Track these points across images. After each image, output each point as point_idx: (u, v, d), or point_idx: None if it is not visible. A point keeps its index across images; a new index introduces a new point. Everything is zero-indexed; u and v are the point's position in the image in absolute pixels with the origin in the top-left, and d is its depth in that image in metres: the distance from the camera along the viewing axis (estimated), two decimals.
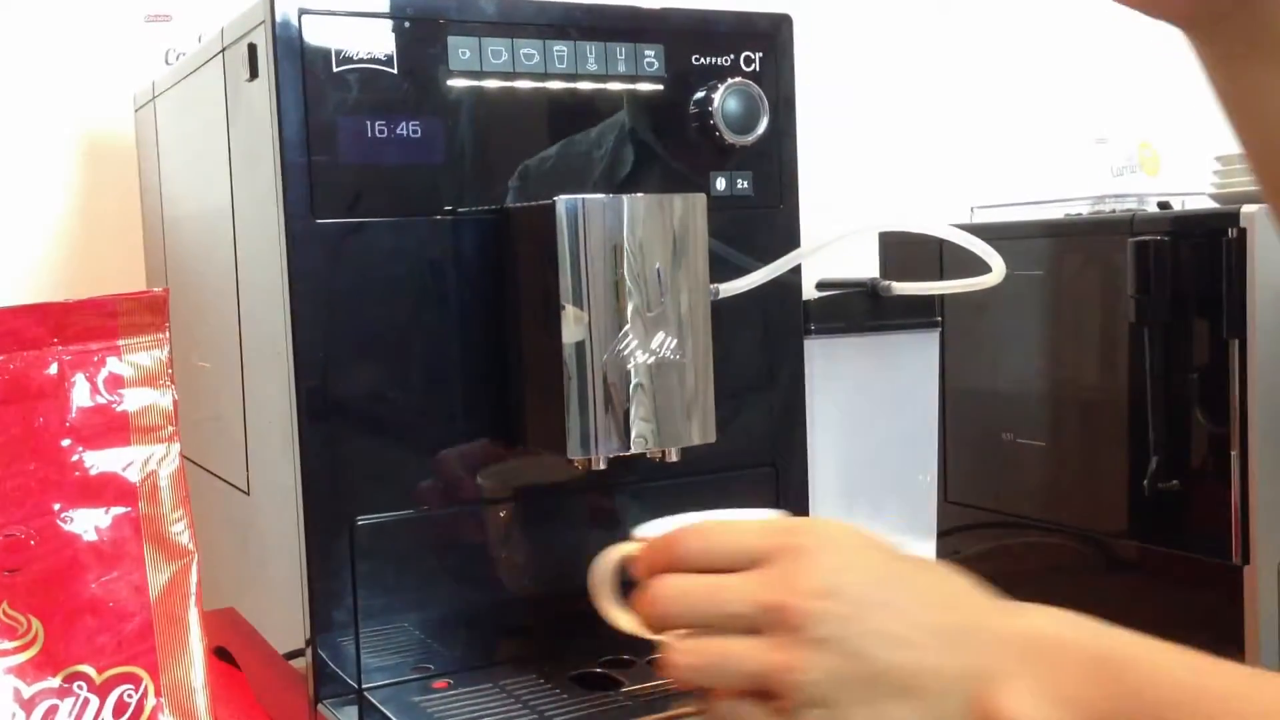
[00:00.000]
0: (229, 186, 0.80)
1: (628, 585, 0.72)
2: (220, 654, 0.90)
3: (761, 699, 0.54)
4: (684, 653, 0.57)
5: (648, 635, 0.71)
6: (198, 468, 0.90)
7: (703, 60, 0.80)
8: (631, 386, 0.71)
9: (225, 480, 0.87)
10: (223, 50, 0.78)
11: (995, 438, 1.23)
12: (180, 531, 0.63)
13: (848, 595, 0.54)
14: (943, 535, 0.98)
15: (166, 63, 1.07)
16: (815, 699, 0.53)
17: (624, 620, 0.71)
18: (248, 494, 0.82)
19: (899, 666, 0.53)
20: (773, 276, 0.77)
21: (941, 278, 1.18)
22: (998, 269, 0.76)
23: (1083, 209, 1.30)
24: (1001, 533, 1.25)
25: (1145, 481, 1.07)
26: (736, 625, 0.55)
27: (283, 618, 0.78)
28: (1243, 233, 1.01)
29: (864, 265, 1.33)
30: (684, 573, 0.58)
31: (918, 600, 0.56)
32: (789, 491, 0.85)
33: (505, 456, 0.75)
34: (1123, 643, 0.55)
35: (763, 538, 0.57)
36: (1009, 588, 1.25)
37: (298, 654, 0.76)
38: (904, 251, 1.28)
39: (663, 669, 0.58)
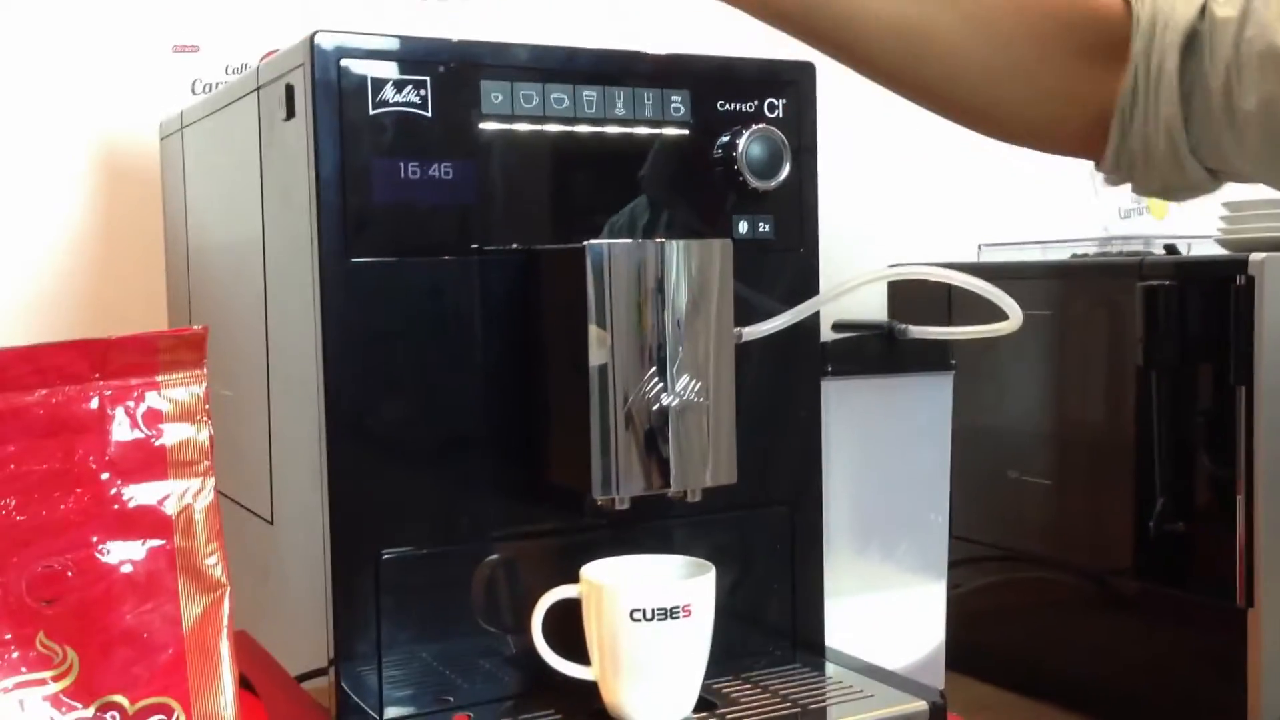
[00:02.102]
0: (260, 221, 0.81)
1: (575, 621, 0.74)
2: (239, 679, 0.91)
3: None
4: None
5: (572, 673, 0.74)
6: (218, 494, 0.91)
7: (728, 106, 0.82)
8: (656, 428, 0.73)
9: (247, 508, 0.88)
10: (258, 88, 0.79)
11: (1001, 475, 1.25)
12: (214, 564, 0.65)
13: None
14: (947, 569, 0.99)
15: (193, 93, 1.08)
16: None
17: (551, 656, 0.73)
18: (271, 523, 0.84)
19: None
20: (794, 321, 0.79)
21: (950, 318, 1.20)
22: (1015, 318, 0.77)
23: (1090, 249, 1.32)
24: (1006, 568, 1.26)
25: (1151, 522, 1.08)
26: None
27: (303, 645, 0.79)
28: (1250, 280, 1.02)
29: (872, 304, 1.35)
30: None
31: None
32: (804, 530, 0.86)
33: (530, 494, 0.77)
34: None
35: None
36: (1012, 623, 1.26)
37: (312, 675, 0.77)
38: (912, 291, 1.30)
39: None
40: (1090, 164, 0.92)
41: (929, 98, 0.90)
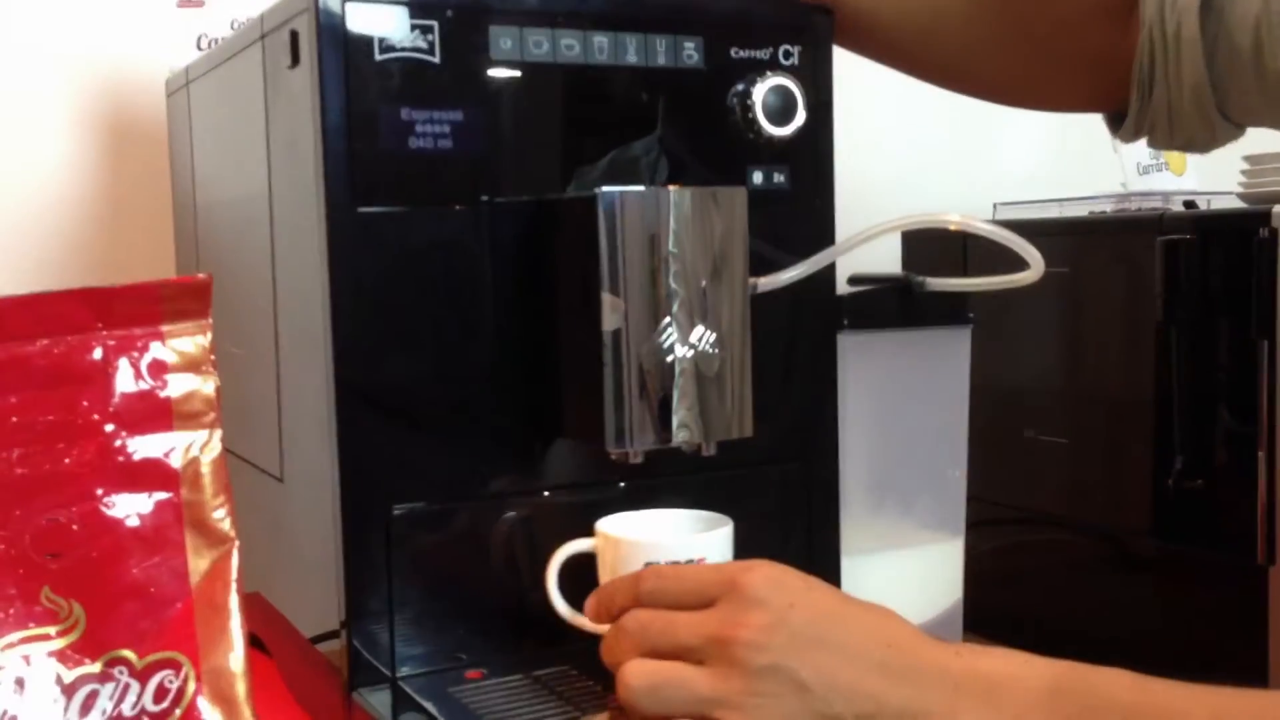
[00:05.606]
0: (266, 173, 0.80)
1: (589, 576, 0.73)
2: (250, 640, 0.90)
3: None
4: (638, 675, 0.59)
5: (587, 628, 0.73)
6: (227, 452, 0.90)
7: (742, 53, 0.80)
8: (670, 380, 0.71)
9: (257, 466, 0.87)
10: (262, 37, 0.78)
11: (1017, 434, 1.23)
12: (221, 518, 0.64)
13: (791, 629, 0.57)
14: None
15: (199, 48, 1.07)
16: None
17: (566, 611, 0.72)
18: (281, 481, 0.82)
19: (842, 697, 0.56)
20: (812, 271, 0.77)
21: (965, 273, 1.18)
22: (1036, 267, 0.75)
23: (1107, 207, 1.30)
24: (1021, 529, 1.25)
25: (1170, 481, 1.07)
26: (688, 657, 0.58)
27: (314, 605, 0.78)
28: (1274, 233, 1.00)
29: (886, 259, 1.33)
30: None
31: (862, 637, 0.58)
32: (819, 487, 0.85)
33: (542, 449, 0.75)
34: (1065, 670, 0.58)
35: (715, 580, 0.60)
36: (1029, 584, 1.25)
37: (325, 637, 0.76)
38: (927, 246, 1.28)
39: (617, 691, 0.60)
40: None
41: (945, 76, 0.88)
